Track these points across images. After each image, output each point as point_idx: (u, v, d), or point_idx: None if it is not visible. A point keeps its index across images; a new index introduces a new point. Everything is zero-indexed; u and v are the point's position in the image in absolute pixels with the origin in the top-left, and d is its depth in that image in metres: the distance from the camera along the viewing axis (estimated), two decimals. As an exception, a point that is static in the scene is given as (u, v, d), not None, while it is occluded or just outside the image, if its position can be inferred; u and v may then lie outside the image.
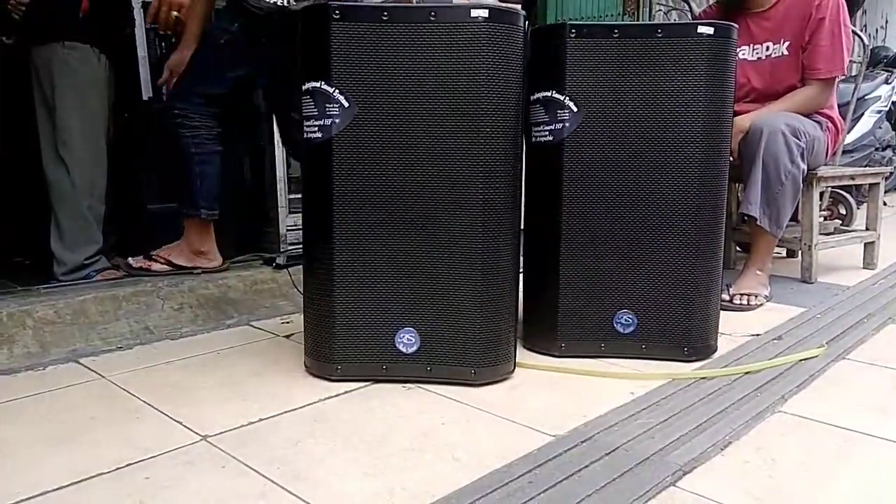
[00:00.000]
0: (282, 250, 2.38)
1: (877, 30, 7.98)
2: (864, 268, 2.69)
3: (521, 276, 1.58)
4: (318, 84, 1.42)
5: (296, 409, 1.38)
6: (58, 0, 2.18)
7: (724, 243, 1.71)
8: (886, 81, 4.35)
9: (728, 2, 2.41)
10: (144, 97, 2.81)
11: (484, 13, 1.38)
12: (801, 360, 1.65)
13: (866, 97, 4.22)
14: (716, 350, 1.70)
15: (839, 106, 2.48)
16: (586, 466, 1.14)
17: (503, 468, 1.14)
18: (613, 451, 1.19)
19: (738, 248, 2.80)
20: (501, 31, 1.40)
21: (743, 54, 2.35)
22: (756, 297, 2.15)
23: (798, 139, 2.13)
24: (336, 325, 1.48)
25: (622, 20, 4.31)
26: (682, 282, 1.62)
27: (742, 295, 2.14)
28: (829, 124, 2.37)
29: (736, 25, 1.62)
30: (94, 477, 1.11)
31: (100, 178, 2.26)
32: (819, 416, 1.35)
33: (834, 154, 2.53)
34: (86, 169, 2.22)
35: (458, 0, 1.68)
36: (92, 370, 1.62)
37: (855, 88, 2.93)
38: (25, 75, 2.23)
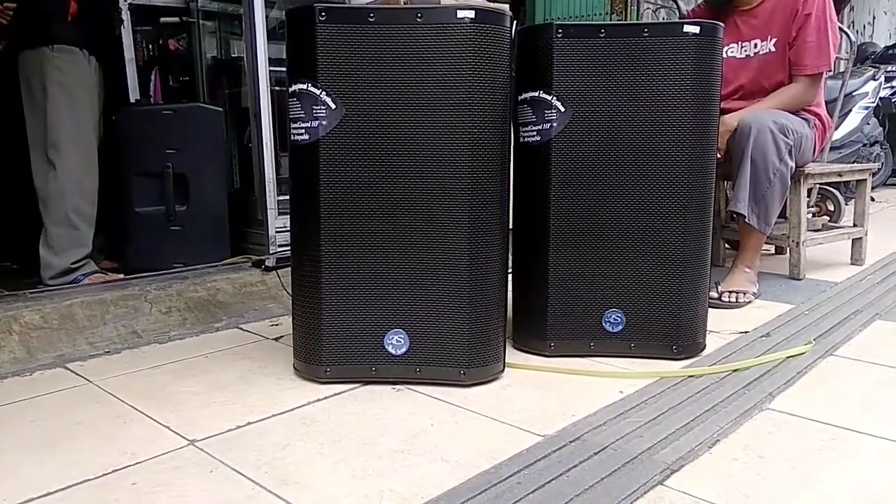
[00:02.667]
0: (271, 252, 2.37)
1: (864, 26, 8.03)
2: (851, 264, 2.70)
3: (509, 276, 1.58)
4: (304, 86, 1.42)
5: (284, 412, 1.38)
6: (46, 4, 2.16)
7: (713, 241, 1.72)
8: (874, 78, 4.38)
9: (715, 0, 2.42)
10: (132, 99, 2.80)
11: (470, 14, 1.38)
12: (788, 357, 1.65)
13: (854, 94, 4.25)
14: (704, 348, 1.70)
15: (827, 103, 2.49)
16: (575, 466, 1.14)
17: (492, 469, 1.14)
18: (602, 450, 1.19)
19: (726, 246, 2.81)
20: (488, 31, 1.40)
21: (731, 52, 2.36)
22: (744, 294, 2.16)
23: (786, 136, 2.14)
24: (324, 328, 1.47)
25: (610, 19, 4.32)
26: (670, 280, 1.62)
27: (730, 292, 2.15)
28: (817, 121, 2.38)
29: (722, 24, 1.62)
30: (80, 483, 1.11)
31: (90, 181, 2.25)
32: (806, 413, 1.36)
33: (822, 151, 2.55)
34: (74, 172, 2.20)
35: (446, 1, 1.68)
36: (79, 375, 1.61)
37: (842, 85, 2.95)
38: (14, 81, 2.22)
